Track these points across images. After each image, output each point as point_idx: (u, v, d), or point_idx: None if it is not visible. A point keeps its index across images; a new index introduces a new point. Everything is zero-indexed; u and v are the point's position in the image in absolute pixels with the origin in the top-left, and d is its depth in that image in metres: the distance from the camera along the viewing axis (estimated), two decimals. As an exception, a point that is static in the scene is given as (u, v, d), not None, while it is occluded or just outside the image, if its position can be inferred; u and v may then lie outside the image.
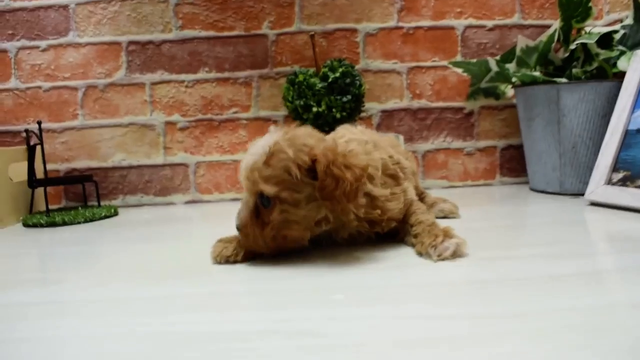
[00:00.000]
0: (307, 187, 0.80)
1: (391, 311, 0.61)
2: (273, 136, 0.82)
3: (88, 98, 1.57)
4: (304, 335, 0.55)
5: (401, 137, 1.44)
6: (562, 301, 0.61)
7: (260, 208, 0.82)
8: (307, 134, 0.83)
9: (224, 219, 1.28)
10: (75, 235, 1.21)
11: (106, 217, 1.42)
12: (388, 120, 1.59)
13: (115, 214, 1.46)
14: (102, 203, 1.57)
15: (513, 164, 1.63)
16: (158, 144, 1.59)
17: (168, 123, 1.58)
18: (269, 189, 0.79)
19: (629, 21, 1.38)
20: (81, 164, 1.59)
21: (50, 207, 1.54)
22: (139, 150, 1.59)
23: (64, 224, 1.34)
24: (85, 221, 1.36)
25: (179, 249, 1.01)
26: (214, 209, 1.47)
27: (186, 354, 0.52)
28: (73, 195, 1.60)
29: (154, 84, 1.57)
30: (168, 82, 1.57)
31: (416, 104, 1.60)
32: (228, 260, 0.85)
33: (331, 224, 0.85)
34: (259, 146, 0.81)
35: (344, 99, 1.36)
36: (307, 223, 0.83)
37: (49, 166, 1.56)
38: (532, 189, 1.48)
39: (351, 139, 0.91)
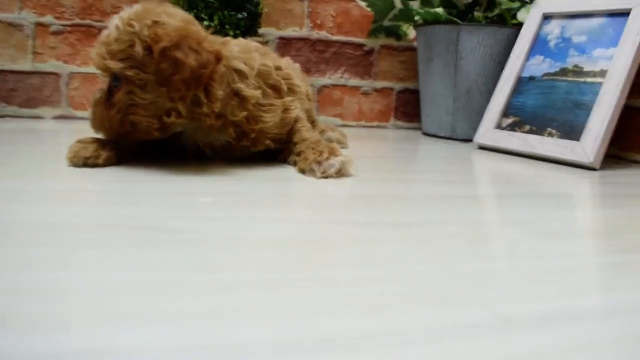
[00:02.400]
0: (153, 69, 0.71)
1: (261, 214, 0.55)
2: (130, 10, 0.73)
3: (-58, -16, 1.35)
4: (154, 229, 0.47)
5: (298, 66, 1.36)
6: (442, 216, 0.59)
7: (112, 89, 0.74)
8: (164, 11, 0.74)
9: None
10: None
11: (-44, 122, 1.24)
12: (285, 49, 1.50)
13: (-32, 120, 1.28)
14: (-46, 109, 1.38)
15: (408, 108, 1.61)
16: (26, 47, 1.40)
17: (39, 25, 1.39)
18: (114, 65, 0.71)
19: (532, -28, 1.38)
20: None
21: None
22: (3, 52, 1.39)
23: None
24: None
25: (35, 153, 0.88)
26: (87, 127, 1.33)
27: (25, 241, 0.42)
28: None
29: (24, -23, 1.37)
30: (42, -23, 1.38)
31: (316, 34, 1.52)
32: (87, 163, 0.74)
33: (184, 119, 0.74)
34: (114, 20, 0.73)
35: (239, 16, 1.26)
36: (155, 110, 0.73)
37: None
38: (425, 133, 1.47)
39: (232, 42, 0.82)
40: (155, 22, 0.71)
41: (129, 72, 0.71)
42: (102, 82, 0.76)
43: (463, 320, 0.33)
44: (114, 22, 0.73)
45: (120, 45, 0.71)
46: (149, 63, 0.70)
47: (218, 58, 0.72)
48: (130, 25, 0.71)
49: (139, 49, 0.70)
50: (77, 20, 1.41)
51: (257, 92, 0.80)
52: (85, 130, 1.20)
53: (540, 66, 1.20)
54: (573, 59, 1.16)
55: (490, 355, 0.29)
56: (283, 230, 0.49)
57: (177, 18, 0.73)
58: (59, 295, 0.33)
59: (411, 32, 1.55)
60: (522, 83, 1.21)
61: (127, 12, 0.73)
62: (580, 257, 0.48)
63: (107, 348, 0.27)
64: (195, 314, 0.31)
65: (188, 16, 0.77)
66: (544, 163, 1.04)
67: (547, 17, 1.24)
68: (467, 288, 0.38)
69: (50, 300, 0.32)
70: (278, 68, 0.86)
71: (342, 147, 1.07)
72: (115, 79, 0.73)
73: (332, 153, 0.76)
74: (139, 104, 0.72)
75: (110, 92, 0.74)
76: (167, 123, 0.74)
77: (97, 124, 0.77)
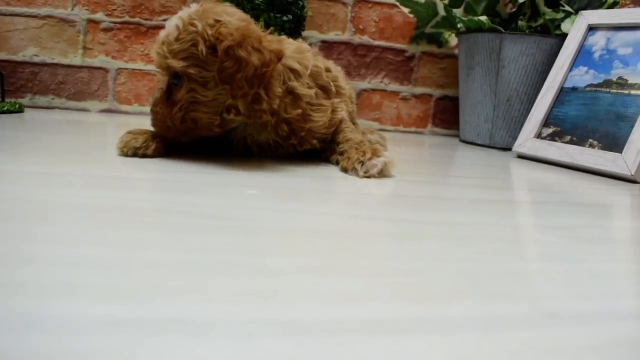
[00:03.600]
0: (216, 66, 0.72)
1: (305, 207, 0.56)
2: (189, 10, 0.75)
3: (2, -20, 1.41)
4: (207, 216, 0.49)
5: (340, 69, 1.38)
6: (482, 218, 0.60)
7: (172, 87, 0.75)
8: (224, 11, 0.76)
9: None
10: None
11: (9, 111, 1.29)
12: (327, 52, 1.52)
13: (21, 110, 1.33)
14: (6, 99, 1.43)
15: (446, 115, 1.62)
16: (77, 42, 1.45)
17: (91, 21, 1.44)
18: (175, 64, 0.73)
19: (578, -16, 1.37)
20: (-13, 53, 1.43)
21: (-54, 94, 1.38)
22: (55, 47, 1.44)
23: (-41, 111, 1.20)
24: (-16, 112, 1.23)
25: (87, 143, 0.92)
26: (132, 121, 1.37)
27: (83, 221, 0.45)
28: (-26, 87, 1.45)
29: (79, -25, 1.42)
30: (95, -25, 1.43)
31: (358, 39, 1.54)
32: (136, 153, 0.77)
33: (243, 116, 0.76)
34: (173, 20, 0.75)
35: (284, 18, 1.28)
36: (216, 107, 0.75)
37: (-51, 50, 1.40)
38: (462, 140, 1.47)
39: (286, 42, 0.84)
40: (217, 21, 0.73)
41: (191, 70, 0.72)
42: (161, 82, 0.78)
43: (508, 313, 0.34)
44: (174, 22, 0.74)
45: (183, 45, 0.72)
46: (212, 61, 0.72)
47: (279, 57, 0.75)
48: (192, 25, 0.72)
49: (202, 47, 0.72)
50: (127, 18, 1.45)
51: (311, 91, 0.82)
52: (131, 124, 1.24)
53: (584, 77, 1.20)
54: (617, 71, 1.15)
55: (534, 346, 0.30)
56: (328, 224, 0.51)
57: (236, 17, 0.76)
58: (124, 269, 0.35)
59: (452, 40, 1.56)
60: (564, 93, 1.21)
61: (186, 11, 0.75)
62: (621, 263, 0.48)
63: (178, 318, 0.29)
64: (252, 292, 0.33)
65: (246, 15, 0.79)
66: (584, 174, 1.04)
67: (592, 29, 1.23)
68: (511, 285, 0.39)
69: (116, 273, 0.34)
70: (328, 70, 0.88)
71: (381, 150, 1.08)
72: (176, 77, 0.74)
73: (375, 154, 0.78)
74: (200, 101, 0.74)
75: (169, 90, 0.76)
76: (227, 119, 0.77)
77: (159, 123, 0.78)
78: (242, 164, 0.78)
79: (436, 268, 0.41)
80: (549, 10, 1.35)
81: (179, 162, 0.76)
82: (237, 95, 0.73)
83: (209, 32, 0.72)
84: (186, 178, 0.66)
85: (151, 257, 0.38)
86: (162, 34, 0.75)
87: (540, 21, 1.36)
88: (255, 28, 0.77)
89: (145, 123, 1.26)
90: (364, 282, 0.37)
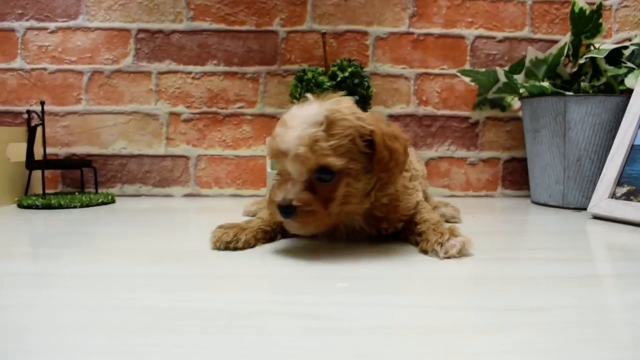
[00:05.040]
0: (363, 158, 0.77)
1: (394, 300, 0.60)
2: (319, 105, 0.76)
3: (93, 83, 1.56)
4: (306, 317, 0.54)
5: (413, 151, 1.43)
6: (566, 299, 0.61)
7: (314, 184, 0.76)
8: (352, 104, 0.80)
9: (223, 212, 1.27)
10: (70, 217, 1.19)
11: (103, 203, 1.40)
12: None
13: (113, 201, 1.44)
14: (99, 190, 1.56)
15: (515, 177, 1.63)
16: (160, 134, 1.57)
17: (172, 114, 1.57)
18: (336, 162, 0.73)
19: (637, 40, 1.38)
20: (81, 149, 1.57)
21: (47, 191, 1.52)
22: (140, 139, 1.57)
23: (60, 207, 1.32)
24: (82, 206, 1.35)
25: (176, 236, 1.00)
26: (213, 203, 1.46)
27: (185, 328, 0.50)
28: (70, 181, 1.59)
29: (160, 73, 1.56)
30: (175, 72, 1.56)
31: (422, 110, 1.59)
32: (228, 247, 0.83)
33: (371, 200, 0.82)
34: (305, 116, 0.75)
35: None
36: (363, 196, 0.80)
37: (49, 150, 1.54)
38: (534, 202, 1.47)
39: None
40: (359, 116, 0.77)
41: (351, 166, 0.75)
42: (279, 183, 0.79)
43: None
44: (310, 120, 0.74)
45: (341, 141, 0.74)
46: (361, 154, 0.77)
47: (408, 142, 0.83)
48: (346, 120, 0.75)
49: (359, 141, 0.76)
50: (205, 109, 1.57)
51: (407, 175, 0.89)
52: (210, 207, 1.32)
53: (654, 133, 1.19)
54: (688, 125, 1.14)
55: None
56: (416, 317, 0.54)
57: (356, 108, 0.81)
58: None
59: (516, 103, 1.58)
60: (635, 151, 1.20)
61: (318, 107, 0.75)
62: None
63: None
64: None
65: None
66: (665, 234, 1.02)
67: (657, 84, 1.23)
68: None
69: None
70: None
71: (454, 222, 1.11)
72: (326, 172, 0.75)
73: (453, 234, 0.81)
74: (352, 193, 0.78)
75: (312, 187, 0.76)
76: (366, 207, 0.83)
77: (316, 222, 0.77)
78: (329, 251, 0.83)
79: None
80: (611, 67, 1.36)
81: (266, 254, 0.81)
82: (387, 182, 0.80)
83: (363, 126, 0.76)
84: (278, 272, 0.71)
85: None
86: (296, 131, 0.74)
87: (603, 79, 1.37)
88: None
89: (224, 203, 1.34)
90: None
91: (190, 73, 1.56)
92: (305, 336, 0.48)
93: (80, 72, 1.56)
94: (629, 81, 1.32)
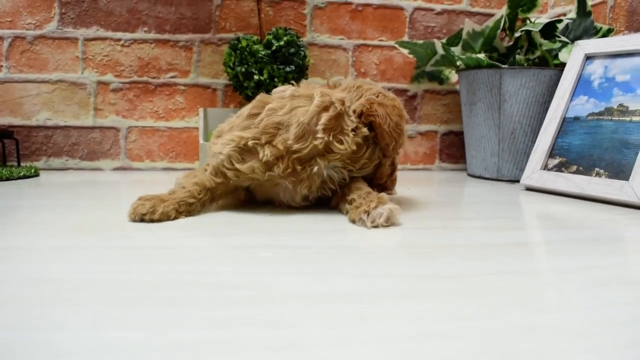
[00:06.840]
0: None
1: (317, 269, 0.58)
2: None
3: (14, 49, 1.46)
4: (222, 286, 0.51)
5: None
6: (489, 265, 0.60)
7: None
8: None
9: (155, 186, 1.22)
10: (-13, 190, 1.12)
11: (25, 177, 1.32)
12: (331, 97, 1.56)
13: (36, 174, 1.36)
14: (22, 164, 1.47)
15: (452, 150, 1.63)
16: (88, 104, 1.49)
17: (100, 83, 1.49)
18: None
19: (572, 15, 1.40)
20: (2, 120, 1.47)
21: (-35, 163, 1.43)
22: (66, 109, 1.49)
23: (-23, 180, 1.24)
24: (2, 179, 1.27)
25: (100, 209, 0.94)
26: (144, 177, 1.40)
27: (90, 300, 0.47)
28: (-9, 154, 1.49)
29: (87, 39, 1.47)
30: (103, 39, 1.48)
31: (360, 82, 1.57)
32: (143, 219, 0.79)
33: None
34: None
35: (287, 69, 1.32)
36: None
37: (-34, 120, 1.45)
38: (470, 175, 1.48)
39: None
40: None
41: None
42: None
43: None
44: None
45: None
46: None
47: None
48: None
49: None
50: (135, 78, 1.49)
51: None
52: (142, 181, 1.27)
53: (585, 106, 1.21)
54: (618, 98, 1.16)
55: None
56: (341, 285, 0.52)
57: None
58: (142, 354, 0.36)
59: (453, 76, 1.58)
60: (567, 123, 1.22)
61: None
62: (636, 307, 0.48)
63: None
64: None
65: None
66: (593, 204, 1.04)
67: (589, 58, 1.25)
68: (520, 343, 0.40)
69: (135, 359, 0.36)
70: None
71: (389, 194, 1.10)
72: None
73: (381, 202, 0.79)
74: None
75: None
76: None
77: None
78: (257, 222, 0.80)
79: (447, 329, 0.42)
80: (546, 41, 1.37)
81: (186, 227, 0.77)
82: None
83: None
84: (194, 244, 0.68)
85: (169, 338, 0.39)
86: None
87: (538, 53, 1.38)
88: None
89: (156, 177, 1.29)
90: (380, 351, 0.38)
91: (119, 40, 1.48)
92: (219, 306, 0.45)
93: (0, 38, 1.46)
94: (562, 55, 1.34)
